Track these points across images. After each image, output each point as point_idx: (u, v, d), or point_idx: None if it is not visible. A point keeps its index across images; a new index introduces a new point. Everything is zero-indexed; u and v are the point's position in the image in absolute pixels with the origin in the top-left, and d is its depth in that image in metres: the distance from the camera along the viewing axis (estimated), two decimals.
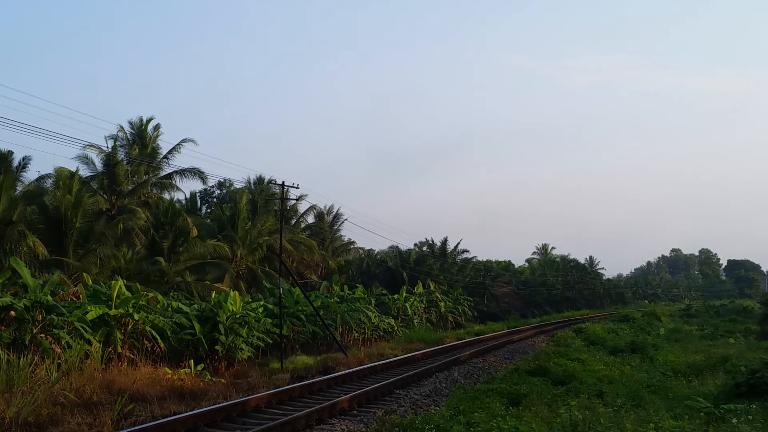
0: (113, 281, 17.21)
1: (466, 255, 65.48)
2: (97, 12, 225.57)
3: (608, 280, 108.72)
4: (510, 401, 11.81)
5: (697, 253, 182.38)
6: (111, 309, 16.45)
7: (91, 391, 12.23)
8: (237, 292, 21.59)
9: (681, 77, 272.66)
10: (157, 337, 17.33)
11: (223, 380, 15.90)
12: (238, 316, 19.68)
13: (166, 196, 37.79)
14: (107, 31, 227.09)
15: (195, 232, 32.35)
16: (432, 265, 56.49)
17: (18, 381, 11.34)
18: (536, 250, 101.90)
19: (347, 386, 14.67)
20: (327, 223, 53.59)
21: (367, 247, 62.08)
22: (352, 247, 58.01)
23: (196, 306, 21.44)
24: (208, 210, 51.60)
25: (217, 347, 18.73)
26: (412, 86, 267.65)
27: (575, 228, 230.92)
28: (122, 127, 38.31)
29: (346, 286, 36.00)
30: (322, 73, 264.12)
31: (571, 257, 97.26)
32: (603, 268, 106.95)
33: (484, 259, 75.24)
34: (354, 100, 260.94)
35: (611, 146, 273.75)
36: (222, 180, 52.75)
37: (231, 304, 19.69)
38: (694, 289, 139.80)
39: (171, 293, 26.63)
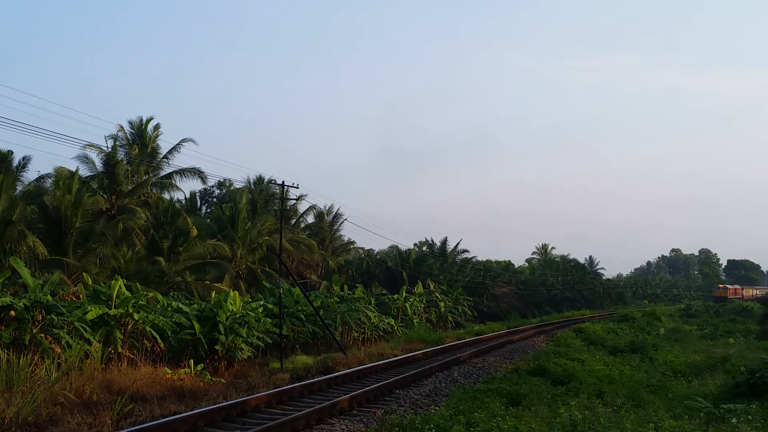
0: (113, 281, 17.21)
1: (465, 255, 65.44)
2: (96, 12, 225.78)
3: (608, 280, 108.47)
4: (510, 401, 11.81)
5: (697, 253, 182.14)
6: (111, 309, 16.46)
7: (91, 391, 12.24)
8: (237, 292, 21.59)
9: (681, 77, 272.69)
10: (157, 337, 17.33)
11: (222, 380, 15.91)
12: (237, 316, 19.68)
13: (166, 195, 37.80)
14: (107, 31, 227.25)
15: (195, 232, 32.35)
16: (432, 265, 56.48)
17: (18, 381, 11.35)
18: (536, 250, 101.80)
19: (347, 386, 14.68)
20: (327, 223, 53.56)
21: (367, 247, 62.10)
22: (352, 247, 57.98)
23: (195, 306, 21.44)
24: (208, 210, 51.61)
25: (216, 347, 18.73)
26: (412, 88, 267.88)
27: (575, 228, 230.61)
28: (122, 127, 38.33)
29: (345, 286, 36.00)
30: (324, 74, 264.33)
31: (571, 257, 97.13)
32: (603, 268, 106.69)
33: (484, 259, 75.19)
34: (354, 102, 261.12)
35: (611, 146, 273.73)
36: (222, 180, 52.77)
37: (231, 304, 19.69)
38: (693, 289, 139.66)
39: (171, 293, 26.63)
